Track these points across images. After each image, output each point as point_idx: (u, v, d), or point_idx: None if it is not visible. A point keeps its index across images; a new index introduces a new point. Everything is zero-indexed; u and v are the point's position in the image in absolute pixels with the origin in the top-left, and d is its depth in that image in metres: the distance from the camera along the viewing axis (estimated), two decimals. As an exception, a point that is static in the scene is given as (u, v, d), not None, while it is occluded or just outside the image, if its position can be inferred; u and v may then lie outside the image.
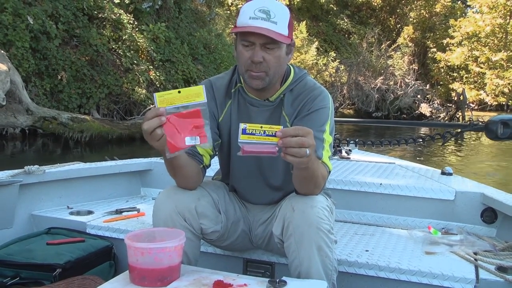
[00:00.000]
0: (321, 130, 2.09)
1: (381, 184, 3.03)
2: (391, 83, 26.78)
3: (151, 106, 14.21)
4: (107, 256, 2.68)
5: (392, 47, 29.65)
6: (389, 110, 25.87)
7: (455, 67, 31.17)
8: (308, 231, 1.93)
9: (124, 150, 11.41)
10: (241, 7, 2.03)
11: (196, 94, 1.77)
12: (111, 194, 3.45)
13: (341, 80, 25.83)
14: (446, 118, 24.80)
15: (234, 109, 2.21)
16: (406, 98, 26.02)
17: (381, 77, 26.54)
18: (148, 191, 3.58)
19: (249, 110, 2.19)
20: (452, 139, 3.81)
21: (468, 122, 3.59)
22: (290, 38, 2.02)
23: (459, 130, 3.73)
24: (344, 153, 3.98)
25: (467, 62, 30.41)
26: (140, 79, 14.50)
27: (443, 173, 3.42)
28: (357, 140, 4.28)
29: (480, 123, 3.50)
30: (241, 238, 2.32)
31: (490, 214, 2.85)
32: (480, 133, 3.86)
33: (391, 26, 34.70)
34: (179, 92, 1.76)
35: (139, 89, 14.30)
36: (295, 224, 1.95)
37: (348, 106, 25.90)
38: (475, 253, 2.48)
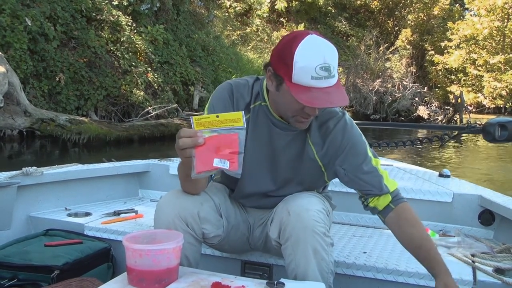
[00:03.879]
0: (368, 161, 2.11)
1: None
2: (389, 85, 26.80)
3: (149, 108, 14.23)
4: (105, 257, 2.67)
5: (390, 50, 29.65)
6: (387, 113, 25.89)
7: (453, 69, 31.22)
8: (304, 234, 1.93)
9: (122, 152, 11.41)
10: (293, 56, 1.83)
11: (235, 119, 1.76)
12: (109, 195, 3.45)
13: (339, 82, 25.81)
14: (443, 121, 24.82)
15: (252, 126, 2.14)
16: (404, 101, 26.06)
17: (379, 80, 26.57)
18: (146, 193, 3.58)
19: (271, 130, 2.13)
20: (450, 141, 3.81)
21: (466, 125, 3.59)
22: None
23: (456, 132, 3.73)
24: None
25: (465, 65, 30.48)
26: (138, 81, 14.50)
27: (440, 175, 3.43)
28: None
29: (478, 126, 3.50)
30: (240, 240, 2.32)
31: (487, 216, 2.86)
32: (478, 135, 3.86)
33: (389, 29, 34.73)
34: (217, 116, 1.76)
35: (137, 91, 14.30)
36: (291, 227, 1.95)
37: (346, 109, 25.90)
38: (473, 255, 2.49)
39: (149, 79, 15.00)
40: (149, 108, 14.35)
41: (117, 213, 3.09)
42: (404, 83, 27.20)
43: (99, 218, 2.99)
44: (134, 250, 1.76)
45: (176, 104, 15.22)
